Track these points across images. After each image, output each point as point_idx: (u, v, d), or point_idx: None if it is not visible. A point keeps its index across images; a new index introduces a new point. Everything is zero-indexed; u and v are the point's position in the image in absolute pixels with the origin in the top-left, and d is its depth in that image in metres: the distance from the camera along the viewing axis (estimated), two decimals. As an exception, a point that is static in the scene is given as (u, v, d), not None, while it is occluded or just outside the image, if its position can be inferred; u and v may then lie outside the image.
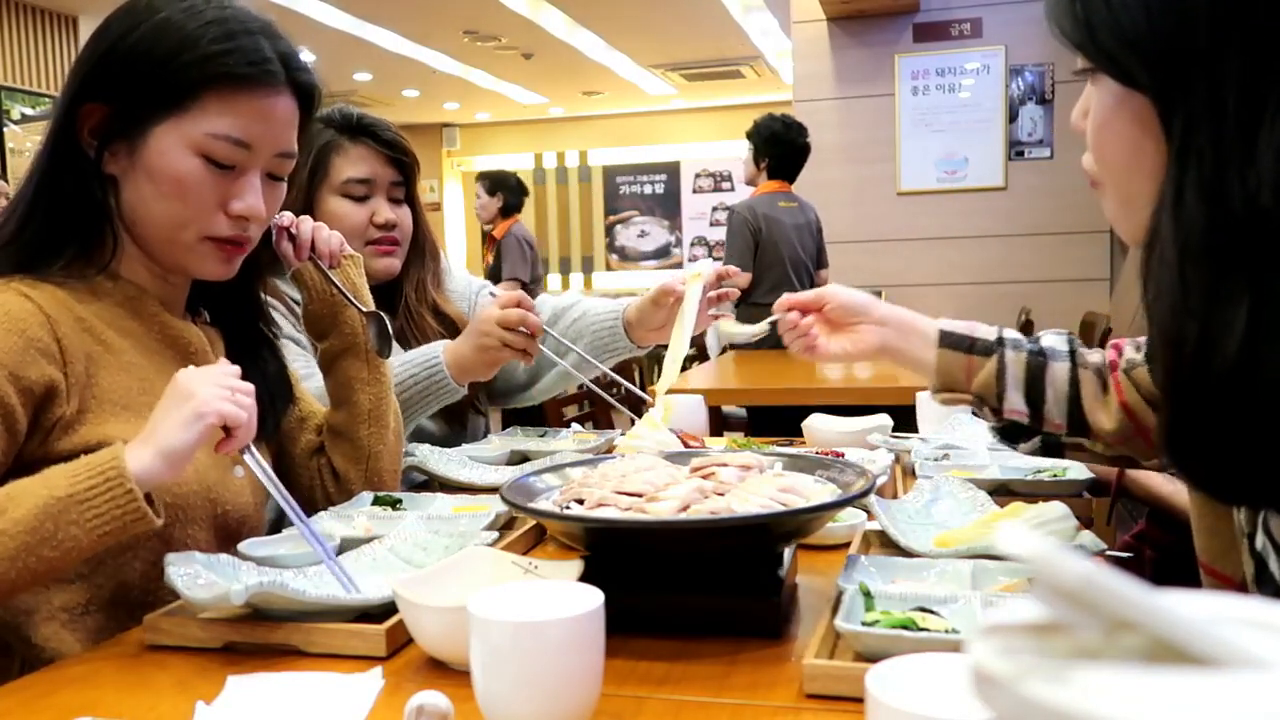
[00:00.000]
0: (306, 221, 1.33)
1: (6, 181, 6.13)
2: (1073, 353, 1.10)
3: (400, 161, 1.69)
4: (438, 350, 1.60)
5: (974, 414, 1.14)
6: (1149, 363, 0.98)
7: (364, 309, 1.35)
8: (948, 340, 1.12)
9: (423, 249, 1.78)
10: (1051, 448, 1.10)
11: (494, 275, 5.66)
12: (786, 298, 1.21)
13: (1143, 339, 1.08)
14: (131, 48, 1.06)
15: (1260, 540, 0.74)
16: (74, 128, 1.07)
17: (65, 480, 0.92)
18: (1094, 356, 1.09)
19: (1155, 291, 0.69)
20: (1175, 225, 0.67)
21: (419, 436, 1.72)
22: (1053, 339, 1.11)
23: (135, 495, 0.92)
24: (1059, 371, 1.08)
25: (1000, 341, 1.10)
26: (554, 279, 13.82)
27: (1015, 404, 1.08)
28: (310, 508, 1.31)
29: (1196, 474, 0.71)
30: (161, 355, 1.14)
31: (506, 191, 5.75)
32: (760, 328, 1.27)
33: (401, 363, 1.58)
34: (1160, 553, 1.40)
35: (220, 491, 1.14)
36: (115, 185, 1.10)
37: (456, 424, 1.81)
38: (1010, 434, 1.10)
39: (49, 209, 1.08)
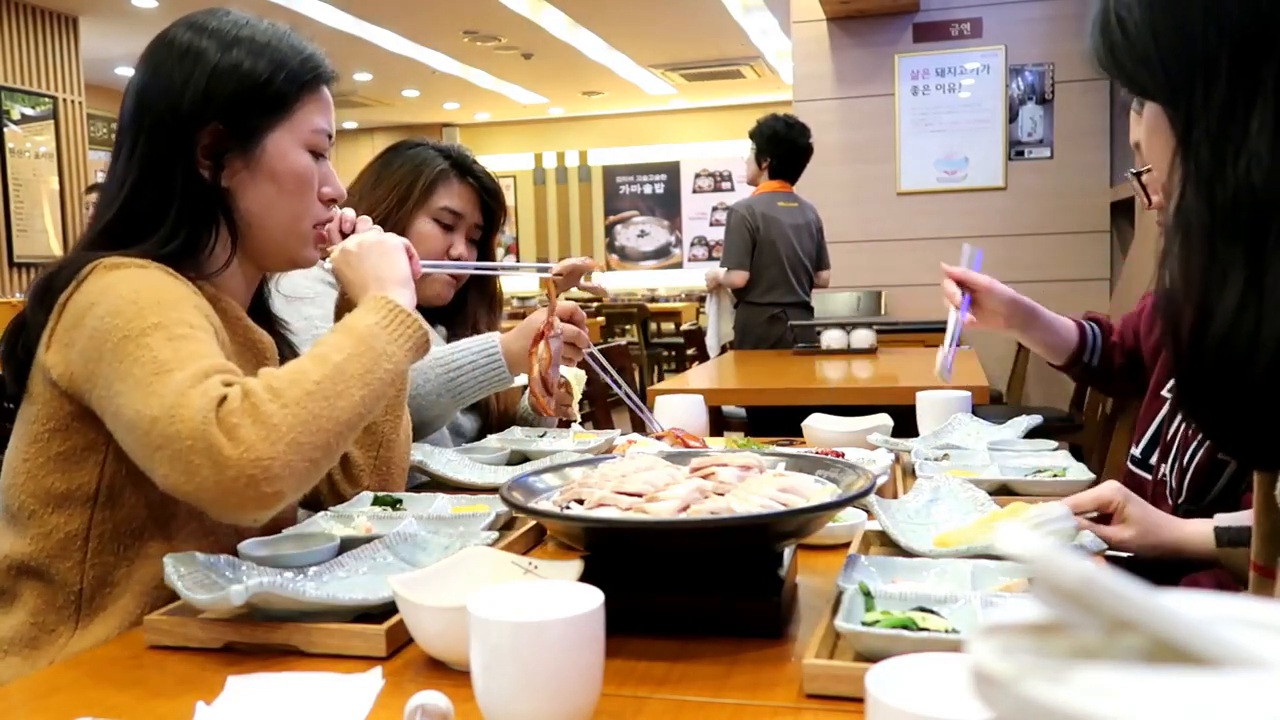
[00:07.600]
0: (364, 221, 1.37)
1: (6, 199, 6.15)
2: None
3: (489, 208, 1.86)
4: (494, 339, 1.71)
5: None
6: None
7: None
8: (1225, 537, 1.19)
9: (487, 291, 1.93)
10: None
11: None
12: None
13: None
14: (234, 72, 1.16)
15: None
16: (193, 151, 1.15)
17: (360, 320, 1.10)
18: None
19: (1159, 276, 0.75)
20: (1178, 217, 0.71)
21: (454, 431, 1.82)
22: None
23: (416, 318, 1.14)
24: None
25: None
26: (554, 279, 13.81)
27: None
28: (315, 505, 1.31)
29: (1212, 435, 0.76)
30: (241, 357, 1.18)
31: None
32: None
33: (458, 349, 1.68)
34: (1139, 570, 1.40)
35: None
36: (229, 197, 1.18)
37: (484, 419, 1.93)
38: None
39: (175, 221, 1.14)
